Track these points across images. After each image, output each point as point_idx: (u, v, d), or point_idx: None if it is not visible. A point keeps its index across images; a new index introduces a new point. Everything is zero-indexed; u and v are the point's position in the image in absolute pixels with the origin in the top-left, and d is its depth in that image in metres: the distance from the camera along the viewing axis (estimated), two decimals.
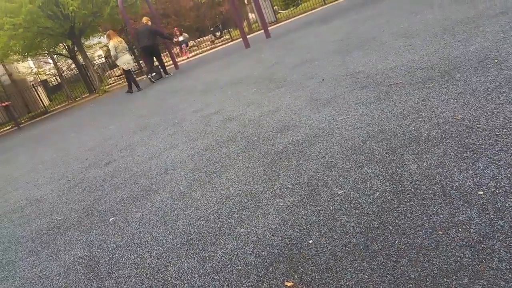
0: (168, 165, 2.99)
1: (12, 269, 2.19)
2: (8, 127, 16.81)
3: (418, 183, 1.55)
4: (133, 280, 1.63)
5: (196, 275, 1.50)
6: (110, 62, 22.92)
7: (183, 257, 1.66)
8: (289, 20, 17.69)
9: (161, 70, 11.39)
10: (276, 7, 23.56)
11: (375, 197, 1.56)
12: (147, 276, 1.62)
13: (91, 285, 1.72)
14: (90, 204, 2.78)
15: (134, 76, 10.83)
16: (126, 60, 10.35)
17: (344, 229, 1.44)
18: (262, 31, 12.71)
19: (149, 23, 11.02)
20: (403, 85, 2.75)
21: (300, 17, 16.78)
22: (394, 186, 1.59)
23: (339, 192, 1.69)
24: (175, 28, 19.54)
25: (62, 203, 3.05)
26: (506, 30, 3.09)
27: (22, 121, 16.46)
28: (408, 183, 1.57)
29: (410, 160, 1.74)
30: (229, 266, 1.49)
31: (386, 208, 1.47)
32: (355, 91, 3.06)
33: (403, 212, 1.42)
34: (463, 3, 4.98)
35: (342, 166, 1.92)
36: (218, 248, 1.63)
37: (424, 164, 1.67)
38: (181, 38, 18.86)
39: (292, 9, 23.24)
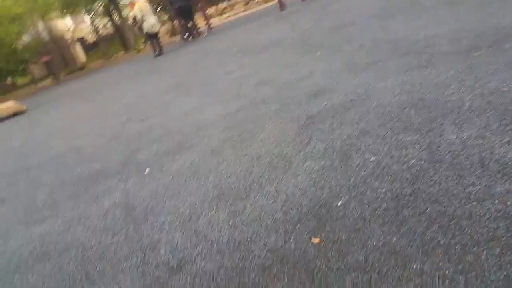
0: (201, 124, 3.04)
1: (56, 209, 2.35)
2: (47, 81, 17.41)
3: (456, 154, 1.51)
4: (167, 226, 1.71)
5: (226, 226, 1.56)
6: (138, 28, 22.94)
7: (214, 209, 1.72)
8: None
9: (194, 31, 11.29)
10: None
11: (410, 165, 1.55)
12: (180, 223, 1.70)
13: (128, 227, 1.82)
14: (127, 155, 2.90)
15: (157, 40, 10.53)
16: (151, 23, 10.14)
17: (375, 194, 1.44)
18: None
19: None
20: (447, 54, 2.64)
21: None
22: (431, 155, 1.56)
23: (372, 158, 1.68)
24: None
25: (101, 153, 3.19)
26: None
27: (60, 76, 16.98)
28: (446, 152, 1.54)
29: (449, 130, 1.69)
30: (257, 220, 1.53)
31: (420, 176, 1.45)
32: (395, 58, 2.96)
33: (437, 181, 1.40)
34: None
35: (377, 133, 1.90)
36: (248, 203, 1.67)
37: (464, 134, 1.62)
38: None
39: None
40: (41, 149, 4.14)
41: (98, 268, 1.58)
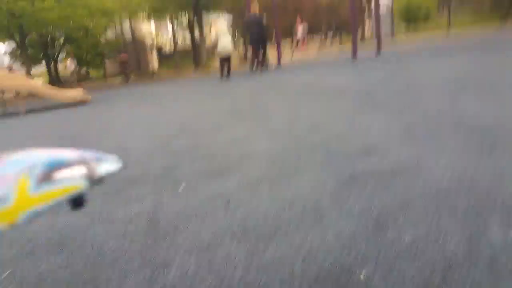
0: (245, 153, 3.06)
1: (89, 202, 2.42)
2: (117, 79, 18.53)
3: (497, 255, 1.39)
4: (183, 249, 1.70)
5: (241, 266, 1.52)
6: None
7: (234, 243, 1.69)
8: (406, 43, 16.91)
9: (264, 62, 11.50)
10: (401, 32, 22.60)
11: (445, 253, 1.43)
12: (198, 250, 1.68)
13: (147, 240, 1.83)
14: (168, 168, 2.96)
15: (227, 66, 10.73)
16: (223, 45, 10.21)
17: (402, 276, 1.34)
18: (375, 45, 12.33)
19: (257, 10, 10.82)
20: (511, 143, 2.48)
21: (418, 43, 15.94)
22: (469, 249, 1.44)
23: (407, 236, 1.59)
24: (298, 15, 19.48)
25: (144, 159, 3.29)
26: None
27: (131, 77, 18.02)
28: (486, 251, 1.42)
29: (495, 229, 1.56)
30: (274, 268, 1.48)
31: (454, 268, 1.34)
32: (456, 135, 2.83)
33: (470, 278, 1.28)
34: None
35: (419, 210, 1.79)
36: (269, 247, 1.63)
37: (511, 237, 1.49)
38: (300, 28, 18.71)
39: (411, 32, 22.16)
40: (91, 141, 4.36)
41: (105, 274, 1.59)
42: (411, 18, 25.27)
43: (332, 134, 3.32)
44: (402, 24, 24.72)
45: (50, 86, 10.76)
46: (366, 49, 13.78)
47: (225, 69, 10.50)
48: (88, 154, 0.24)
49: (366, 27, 21.57)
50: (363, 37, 20.11)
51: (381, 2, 19.65)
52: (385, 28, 19.19)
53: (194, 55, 20.03)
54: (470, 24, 18.10)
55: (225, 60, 10.42)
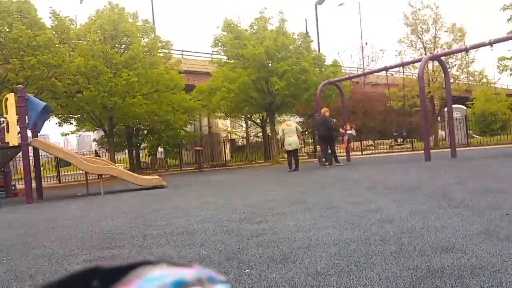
0: (312, 243, 3.00)
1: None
2: (192, 168, 19.60)
3: None
4: None
5: None
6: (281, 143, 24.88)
7: None
8: (482, 147, 16.21)
9: (333, 158, 11.75)
10: (471, 131, 22.01)
11: None
12: None
13: None
14: (234, 251, 2.99)
15: (294, 159, 11.18)
16: (288, 142, 11.03)
17: None
18: (449, 150, 11.96)
19: (327, 113, 11.75)
20: None
21: (495, 147, 15.20)
22: None
23: None
24: (346, 123, 19.99)
25: (211, 242, 3.36)
26: None
27: (204, 166, 18.99)
28: None
29: None
30: None
31: None
32: None
33: None
34: None
35: None
36: None
37: None
38: (348, 132, 19.10)
39: (487, 137, 21.33)
40: (163, 222, 4.55)
41: None
42: (487, 127, 24.54)
43: (404, 227, 3.17)
44: (477, 133, 24.04)
45: (130, 172, 11.72)
46: (439, 154, 13.45)
47: (293, 161, 11.01)
48: (203, 273, 0.27)
49: (439, 137, 21.19)
50: (436, 145, 19.69)
51: (455, 110, 19.56)
52: (458, 137, 18.76)
53: (265, 149, 20.88)
54: None
55: (292, 153, 11.04)
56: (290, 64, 16.45)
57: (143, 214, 5.39)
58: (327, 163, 11.52)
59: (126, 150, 23.52)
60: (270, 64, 17.05)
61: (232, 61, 18.11)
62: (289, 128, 11.06)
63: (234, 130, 28.10)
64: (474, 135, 22.44)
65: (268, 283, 2.23)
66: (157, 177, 10.42)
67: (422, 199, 4.54)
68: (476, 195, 4.47)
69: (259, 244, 3.11)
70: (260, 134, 23.07)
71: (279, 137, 11.55)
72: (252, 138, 24.35)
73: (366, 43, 32.36)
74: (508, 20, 17.46)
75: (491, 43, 10.43)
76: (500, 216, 3.32)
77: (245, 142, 23.19)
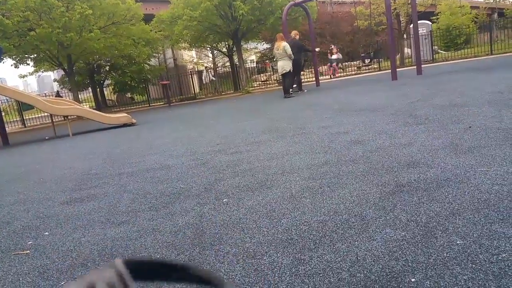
0: (286, 168, 3.09)
1: (134, 217, 2.53)
2: (161, 103, 19.22)
3: None
4: (230, 257, 1.74)
5: (288, 272, 1.53)
6: (259, 68, 24.43)
7: (280, 252, 1.71)
8: (447, 62, 16.52)
9: (296, 84, 11.49)
10: (436, 46, 22.23)
11: (500, 258, 1.39)
12: (244, 258, 1.72)
13: (194, 249, 1.89)
14: (211, 182, 3.04)
15: (291, 80, 10.46)
16: (279, 65, 10.35)
17: (454, 280, 1.31)
18: (414, 67, 12.12)
19: (297, 37, 11.24)
20: None
21: (459, 61, 15.53)
22: None
23: (458, 242, 1.55)
24: (332, 46, 19.69)
25: (188, 175, 3.39)
26: None
27: (173, 101, 18.65)
28: None
29: None
30: (321, 275, 1.48)
31: (509, 273, 1.29)
32: (503, 147, 2.74)
33: None
34: None
35: (469, 217, 1.75)
36: (315, 255, 1.63)
37: None
38: (334, 56, 18.98)
39: (453, 51, 21.68)
40: (137, 160, 4.53)
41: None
42: (451, 41, 24.86)
43: (374, 147, 3.29)
44: (442, 49, 24.34)
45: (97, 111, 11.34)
46: (405, 72, 13.63)
47: (288, 83, 10.44)
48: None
49: (405, 55, 21.30)
50: (402, 63, 19.86)
51: (420, 26, 19.46)
52: (424, 53, 18.91)
53: (234, 79, 20.52)
54: (510, 46, 17.58)
55: (284, 76, 10.39)
56: None
57: (115, 153, 5.33)
58: (295, 90, 11.28)
59: (90, 88, 22.59)
60: None
61: None
62: (277, 52, 10.44)
63: (200, 61, 27.24)
64: (439, 51, 22.72)
65: (246, 209, 2.31)
66: (125, 114, 10.17)
67: (389, 118, 4.66)
68: (441, 110, 4.63)
69: (235, 174, 3.17)
70: (228, 64, 22.50)
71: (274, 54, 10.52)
72: (220, 68, 23.76)
73: None
74: None
75: None
76: (464, 129, 3.47)
77: (213, 74, 22.64)
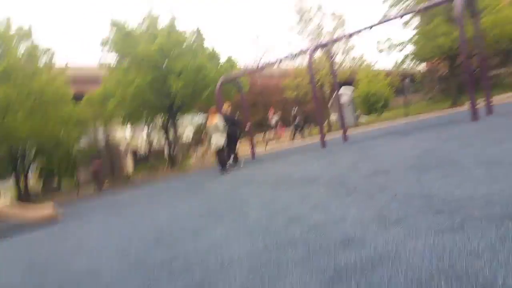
0: (225, 260, 3.00)
1: None
2: (91, 190, 18.27)
3: None
4: None
5: None
6: (197, 141, 24.59)
7: None
8: (370, 127, 17.89)
9: (232, 158, 11.37)
10: (358, 111, 24.15)
11: None
12: None
13: None
14: (146, 286, 2.85)
15: (226, 155, 10.41)
16: (212, 141, 10.19)
17: None
18: (342, 133, 12.96)
19: (229, 109, 11.26)
20: (480, 219, 2.58)
21: (381, 126, 16.90)
22: None
23: None
24: (271, 107, 20.51)
25: (119, 280, 3.15)
26: None
27: (105, 183, 17.86)
28: None
29: None
30: None
31: None
32: (428, 215, 2.92)
33: None
34: None
35: None
36: None
37: None
38: (275, 118, 19.64)
39: (374, 115, 23.64)
40: (58, 267, 4.10)
41: None
42: (371, 106, 27.37)
43: (310, 225, 3.34)
44: (364, 111, 26.61)
45: (16, 203, 10.44)
46: (334, 137, 14.48)
47: (222, 159, 10.30)
48: None
49: (332, 121, 22.92)
50: (330, 128, 21.23)
51: (343, 93, 21.26)
52: (348, 117, 20.49)
53: (170, 155, 20.36)
54: (424, 108, 19.64)
55: (219, 151, 10.26)
56: (186, 62, 16.20)
57: (35, 261, 4.86)
58: (232, 164, 11.12)
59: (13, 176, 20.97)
60: (165, 64, 16.60)
61: (124, 62, 17.22)
62: (210, 127, 10.31)
63: (134, 138, 26.90)
64: (361, 116, 24.62)
65: None
66: (50, 206, 9.43)
67: (322, 190, 4.83)
68: (368, 178, 4.90)
69: (172, 274, 3.01)
70: (163, 139, 22.43)
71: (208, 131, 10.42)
72: (154, 145, 23.58)
73: (259, 36, 33.40)
74: (383, 1, 19.26)
75: (370, 27, 11.41)
76: (390, 198, 3.67)
77: (148, 151, 22.35)
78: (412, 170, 4.75)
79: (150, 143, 24.51)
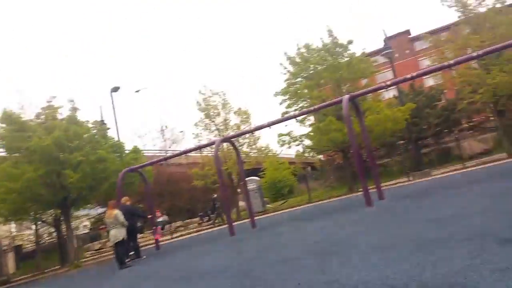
0: None
1: None
2: None
3: None
4: None
5: None
6: (93, 235, 22.58)
7: None
8: (276, 212, 18.35)
9: (133, 250, 10.74)
10: (266, 198, 24.85)
11: None
12: None
13: None
14: None
15: (124, 252, 9.68)
16: (111, 234, 9.61)
17: None
18: (250, 220, 13.02)
19: (128, 203, 10.90)
20: None
21: (287, 211, 17.46)
22: None
23: None
24: (157, 210, 19.67)
25: None
26: (473, 256, 3.19)
27: None
28: None
29: None
30: None
31: None
32: None
33: None
34: (436, 222, 5.30)
35: None
36: None
37: None
38: (160, 219, 18.86)
39: (280, 202, 24.48)
40: None
41: None
42: (278, 192, 28.61)
43: None
44: (271, 198, 27.59)
45: None
46: (243, 224, 14.50)
47: (122, 252, 9.45)
48: None
49: (241, 208, 23.17)
50: (238, 217, 21.32)
51: (250, 182, 21.91)
52: (256, 203, 20.96)
53: (61, 252, 18.18)
54: (324, 194, 21.02)
55: (117, 245, 9.47)
56: (85, 154, 15.38)
57: None
58: (129, 261, 10.18)
59: None
60: (61, 156, 15.52)
61: (14, 155, 15.75)
62: (109, 221, 9.64)
63: (20, 234, 23.73)
64: (268, 205, 25.31)
65: None
66: None
67: (228, 282, 4.64)
68: (273, 267, 4.86)
69: None
70: (55, 234, 20.12)
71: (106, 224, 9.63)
72: (44, 241, 20.98)
73: (166, 126, 33.53)
74: (280, 103, 21.26)
75: (269, 125, 12.30)
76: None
77: (35, 247, 19.75)
78: (315, 257, 4.86)
79: (38, 239, 21.78)
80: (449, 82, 22.85)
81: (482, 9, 18.85)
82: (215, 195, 21.26)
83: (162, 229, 18.57)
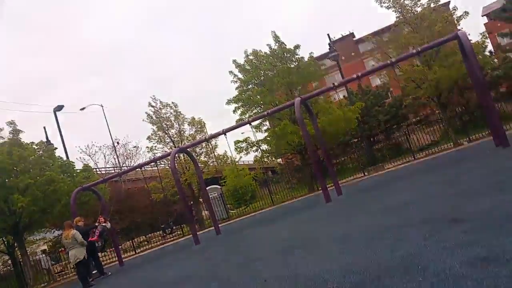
0: None
1: None
2: None
3: None
4: None
5: None
6: (53, 258, 21.49)
7: None
8: (240, 218, 18.38)
9: (101, 268, 10.48)
10: (229, 205, 24.78)
11: None
12: None
13: None
14: None
15: (87, 271, 9.30)
16: (70, 255, 9.27)
17: None
18: (214, 228, 12.96)
19: (80, 223, 10.32)
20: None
21: (250, 216, 17.54)
22: None
23: None
24: (100, 216, 18.91)
25: None
26: (426, 237, 3.43)
27: None
28: None
29: None
30: None
31: None
32: None
33: None
34: (391, 210, 5.58)
35: None
36: None
37: None
38: (103, 224, 18.15)
39: (243, 208, 24.54)
40: None
41: None
42: (240, 199, 28.65)
43: None
44: (234, 205, 27.53)
45: None
46: (207, 234, 14.42)
47: (84, 271, 9.12)
48: None
49: (204, 218, 22.91)
50: (203, 226, 21.10)
51: (212, 190, 21.79)
52: (219, 211, 20.90)
53: (18, 279, 17.12)
54: (286, 196, 21.26)
55: (78, 265, 9.12)
56: (33, 176, 14.65)
57: None
58: (92, 280, 9.80)
59: None
60: (7, 181, 14.68)
61: None
62: (66, 241, 9.22)
63: None
64: (231, 210, 25.24)
65: None
66: None
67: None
68: (240, 268, 4.93)
69: None
70: (10, 261, 18.93)
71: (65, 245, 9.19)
72: None
73: (118, 142, 32.28)
74: (233, 111, 21.32)
75: (224, 132, 12.34)
76: (261, 284, 3.73)
77: None
78: (280, 254, 4.98)
79: None
80: (394, 80, 23.97)
81: (418, 9, 19.95)
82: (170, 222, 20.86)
83: (101, 235, 17.69)
